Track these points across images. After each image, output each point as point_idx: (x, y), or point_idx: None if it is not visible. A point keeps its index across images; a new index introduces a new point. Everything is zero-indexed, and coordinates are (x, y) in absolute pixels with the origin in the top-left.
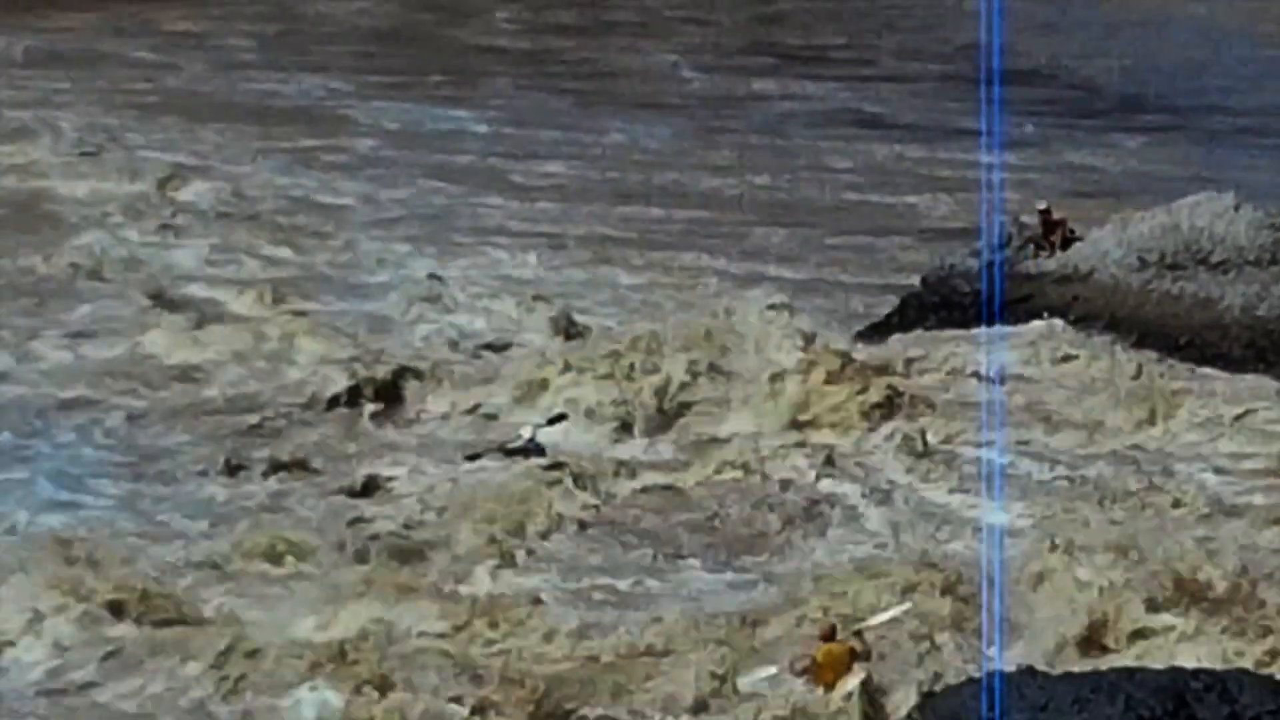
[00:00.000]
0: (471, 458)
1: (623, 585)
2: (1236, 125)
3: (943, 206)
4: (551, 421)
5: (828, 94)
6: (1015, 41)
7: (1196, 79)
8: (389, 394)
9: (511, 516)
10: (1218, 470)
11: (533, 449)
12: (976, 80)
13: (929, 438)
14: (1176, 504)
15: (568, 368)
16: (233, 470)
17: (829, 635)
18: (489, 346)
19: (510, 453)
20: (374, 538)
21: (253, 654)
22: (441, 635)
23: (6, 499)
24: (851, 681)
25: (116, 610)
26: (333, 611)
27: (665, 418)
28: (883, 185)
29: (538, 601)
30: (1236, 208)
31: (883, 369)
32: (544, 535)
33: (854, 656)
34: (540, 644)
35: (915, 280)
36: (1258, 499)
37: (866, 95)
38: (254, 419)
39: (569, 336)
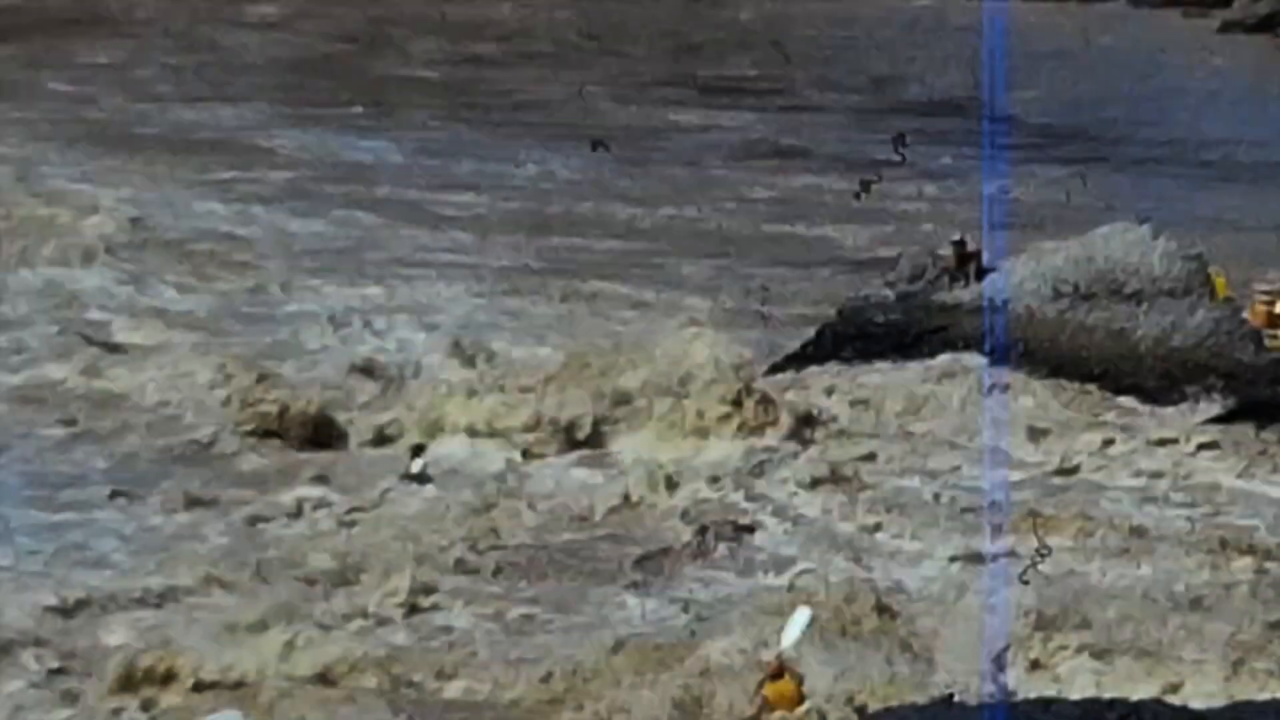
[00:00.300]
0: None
1: (542, 614)
2: (1151, 155)
3: (860, 237)
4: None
5: (744, 125)
6: (932, 73)
7: (1111, 110)
8: (296, 422)
9: (427, 544)
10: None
11: (423, 478)
12: (891, 111)
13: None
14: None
15: (472, 394)
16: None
17: (777, 673)
18: (396, 374)
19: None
20: (290, 565)
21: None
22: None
23: None
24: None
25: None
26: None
27: (570, 441)
28: (800, 216)
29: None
30: (1151, 237)
31: (786, 397)
32: (457, 564)
33: (800, 684)
34: (466, 676)
35: (832, 311)
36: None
37: (782, 126)
38: (165, 445)
39: (474, 364)
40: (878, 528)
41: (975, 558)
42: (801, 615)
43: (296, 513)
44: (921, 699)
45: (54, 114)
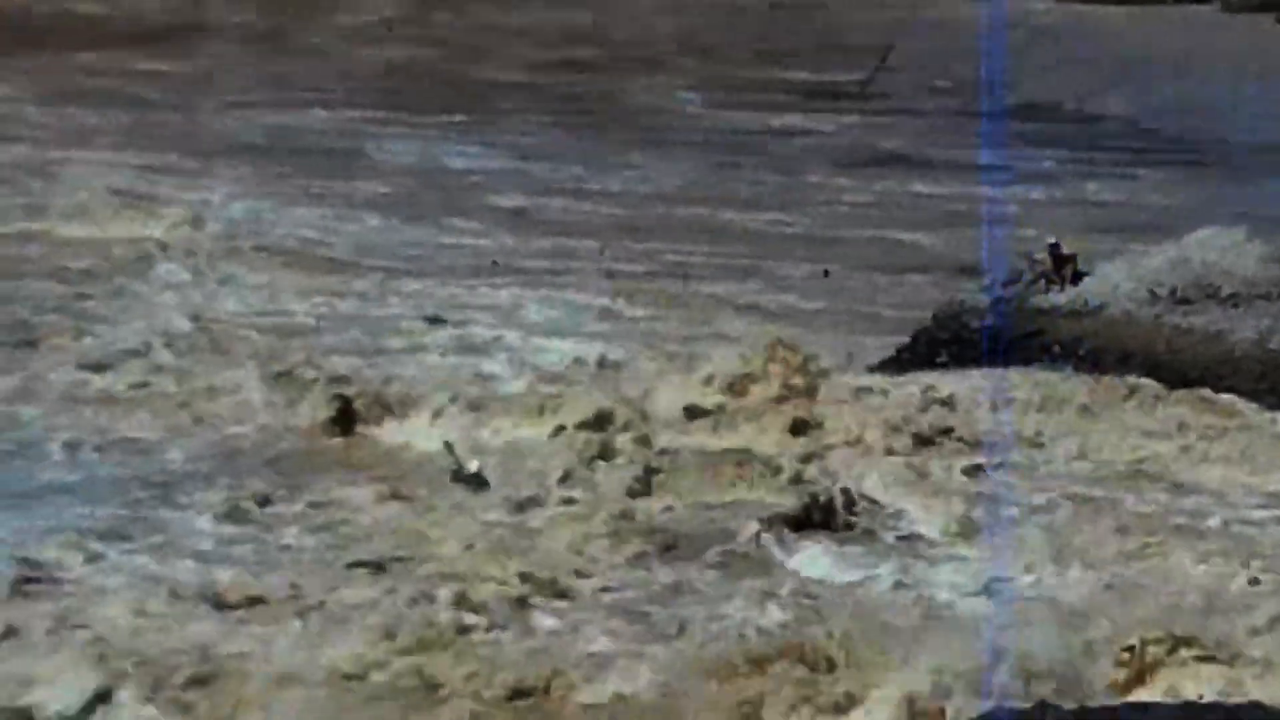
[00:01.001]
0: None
1: None
2: (1248, 160)
3: (957, 242)
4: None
5: (840, 129)
6: (1029, 77)
7: (1206, 114)
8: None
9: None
10: None
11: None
12: (990, 115)
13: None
14: None
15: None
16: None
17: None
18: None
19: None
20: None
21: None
22: None
23: None
24: None
25: None
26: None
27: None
28: (898, 221)
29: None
30: (1247, 241)
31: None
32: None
33: None
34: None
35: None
36: None
37: (880, 130)
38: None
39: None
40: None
41: None
42: None
43: None
44: None
45: (147, 122)
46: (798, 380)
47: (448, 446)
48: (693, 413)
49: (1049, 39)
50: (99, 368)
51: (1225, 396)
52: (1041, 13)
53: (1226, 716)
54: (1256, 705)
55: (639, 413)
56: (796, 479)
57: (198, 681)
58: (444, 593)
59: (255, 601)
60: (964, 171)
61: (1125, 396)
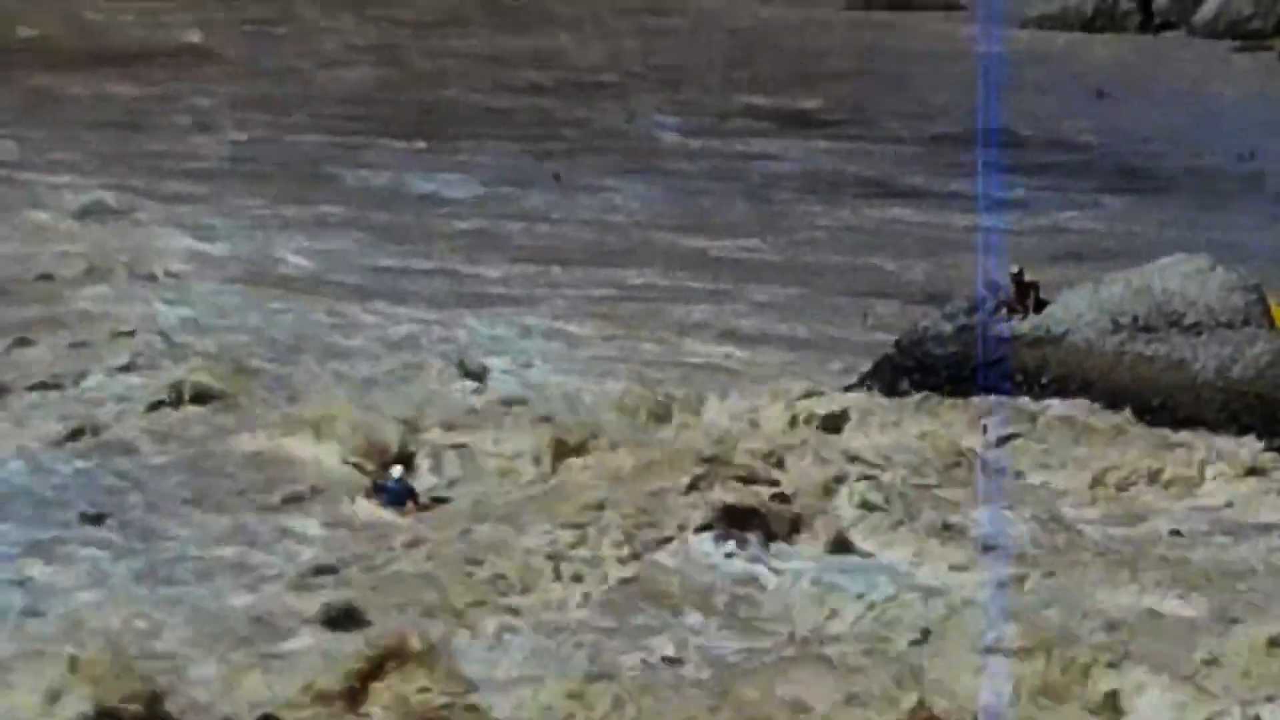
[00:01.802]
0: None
1: None
2: (1213, 187)
3: (926, 269)
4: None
5: (809, 155)
6: (999, 104)
7: (1170, 140)
8: None
9: None
10: None
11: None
12: (963, 142)
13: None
14: None
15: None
16: None
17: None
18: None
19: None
20: None
21: None
22: None
23: None
24: None
25: None
26: None
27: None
28: (869, 247)
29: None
30: (1209, 269)
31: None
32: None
33: None
34: None
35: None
36: None
37: (851, 158)
38: None
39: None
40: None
41: None
42: None
43: None
44: None
45: (110, 144)
46: None
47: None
48: None
49: (1020, 66)
50: None
51: None
52: (1012, 40)
53: None
54: None
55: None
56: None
57: None
58: None
59: None
60: (936, 198)
61: None
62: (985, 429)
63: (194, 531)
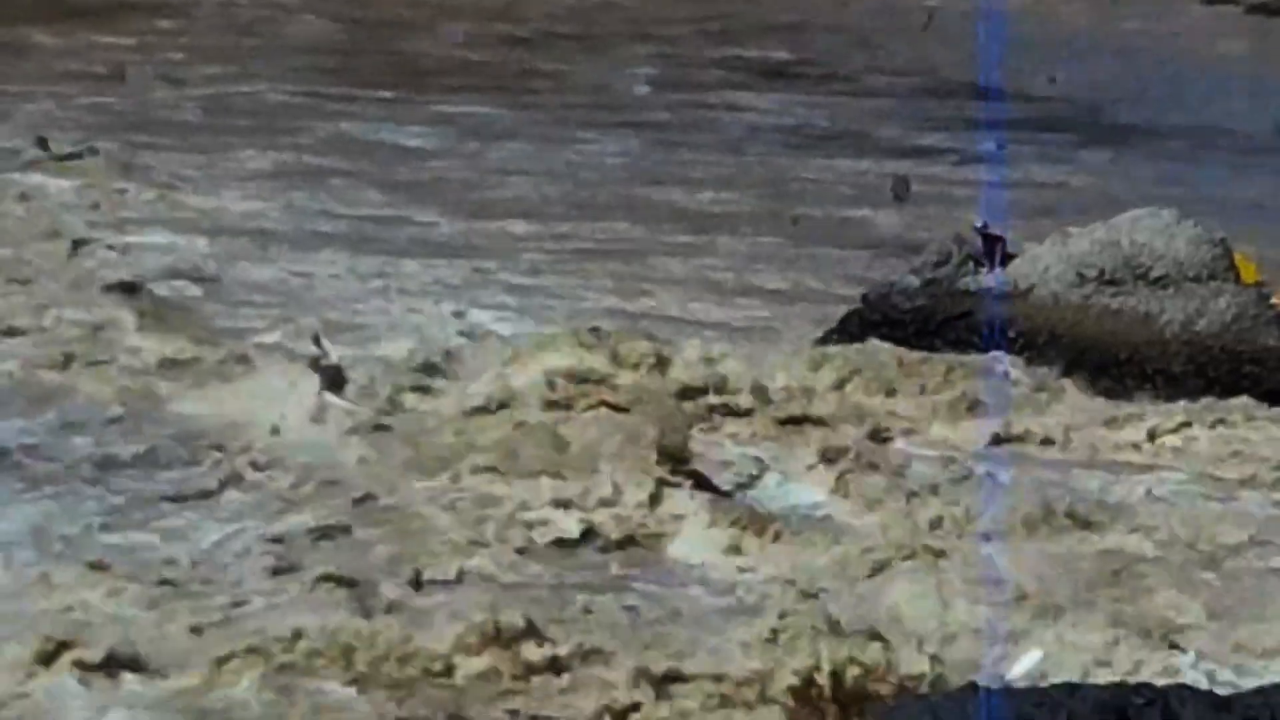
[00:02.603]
0: None
1: None
2: (1183, 142)
3: (901, 222)
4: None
5: (786, 108)
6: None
7: (1139, 96)
8: None
9: None
10: None
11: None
12: (940, 96)
13: None
14: None
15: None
16: None
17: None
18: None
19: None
20: None
21: None
22: None
23: None
24: None
25: None
26: None
27: None
28: (843, 199)
29: None
30: (1177, 223)
31: None
32: None
33: None
34: None
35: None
36: None
37: (828, 110)
38: None
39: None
40: None
41: None
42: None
43: None
44: None
45: (79, 99)
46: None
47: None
48: None
49: (997, 20)
50: None
51: None
52: None
53: (1155, 697)
54: (1183, 687)
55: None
56: None
57: None
58: None
59: None
60: (910, 152)
61: None
62: None
63: None
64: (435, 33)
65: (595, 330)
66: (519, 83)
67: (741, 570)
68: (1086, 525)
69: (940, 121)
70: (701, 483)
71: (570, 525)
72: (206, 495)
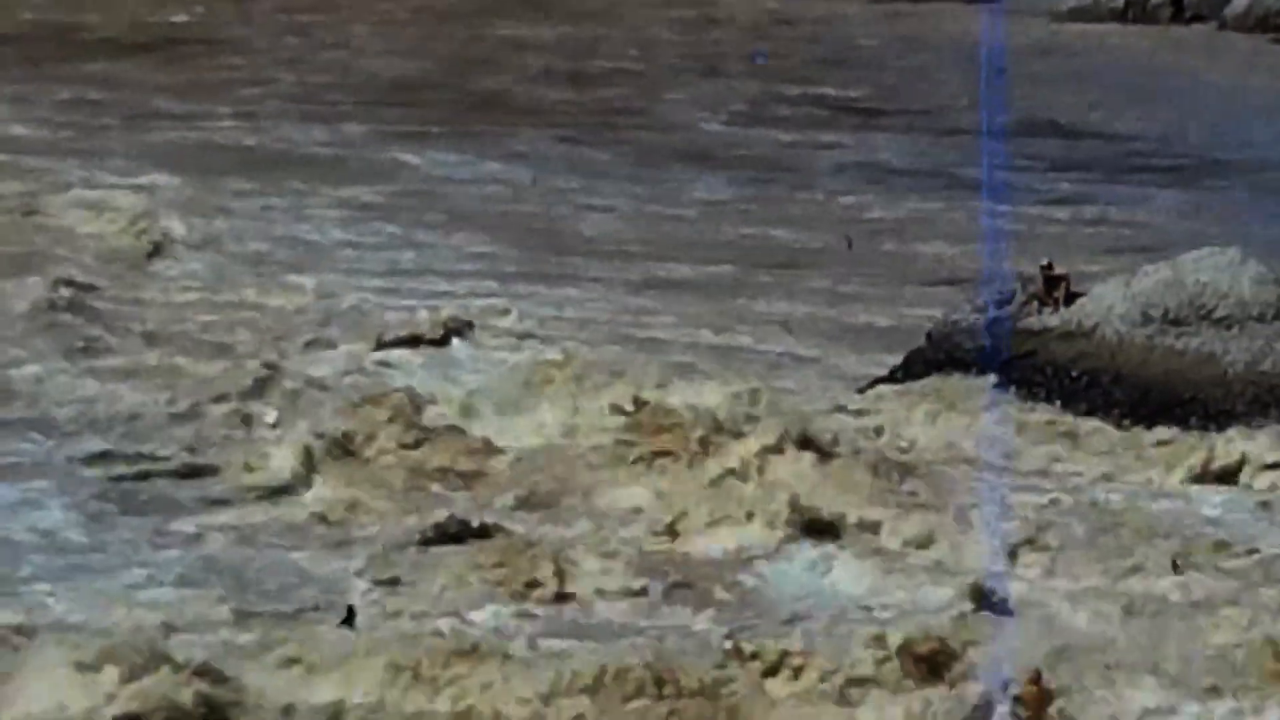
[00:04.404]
0: None
1: None
2: (1248, 181)
3: (966, 259)
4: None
5: (860, 146)
6: (1044, 95)
7: (1201, 134)
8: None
9: None
10: None
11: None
12: (1004, 134)
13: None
14: None
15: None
16: None
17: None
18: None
19: None
20: None
21: None
22: None
23: None
24: None
25: None
26: None
27: None
28: (903, 235)
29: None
30: (1241, 262)
31: None
32: None
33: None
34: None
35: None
36: None
37: (887, 147)
38: None
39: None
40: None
41: None
42: None
43: None
44: None
45: (165, 133)
46: None
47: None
48: None
49: (1060, 58)
50: None
51: None
52: (1050, 32)
53: None
54: None
55: None
56: None
57: None
58: None
59: None
60: (977, 189)
61: None
62: None
63: None
64: (507, 69)
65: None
66: (593, 120)
67: None
68: None
69: (1010, 159)
70: None
71: None
72: None
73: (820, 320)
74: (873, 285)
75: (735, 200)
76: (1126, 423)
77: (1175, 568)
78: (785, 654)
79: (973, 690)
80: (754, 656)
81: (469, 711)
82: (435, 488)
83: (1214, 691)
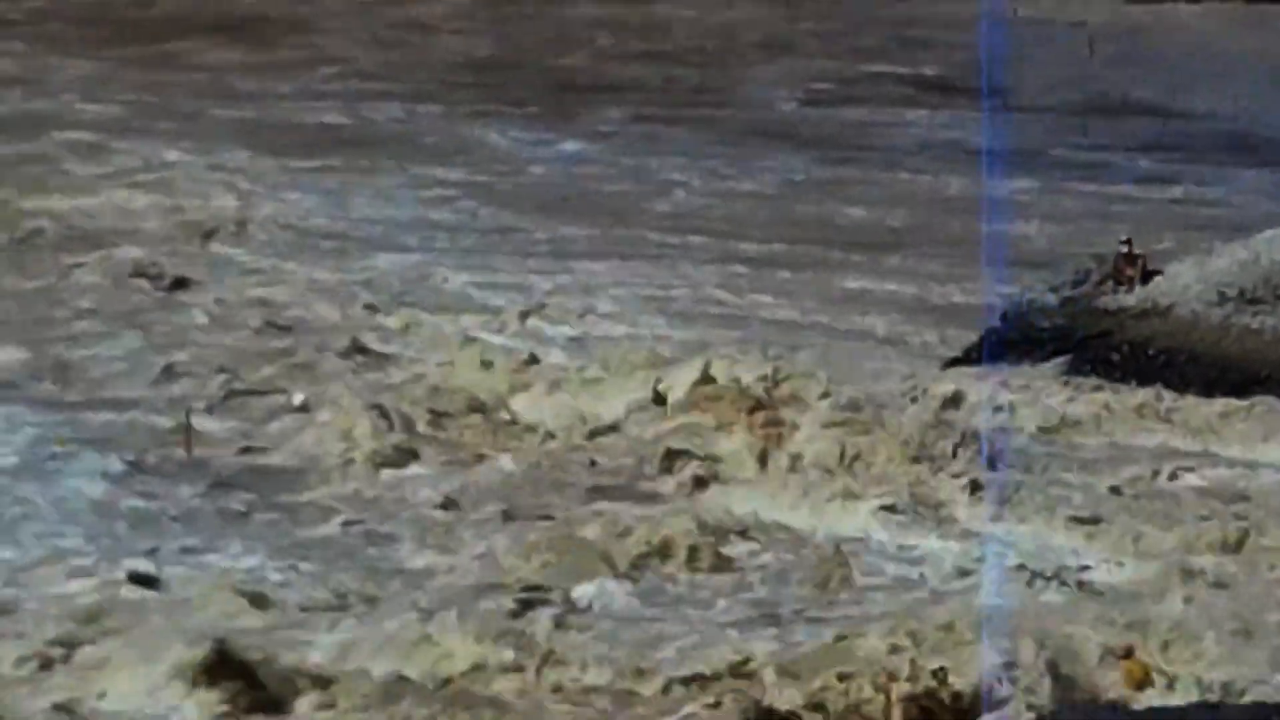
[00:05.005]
0: None
1: None
2: None
3: (1047, 238)
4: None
5: (936, 124)
6: (1120, 74)
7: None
8: None
9: None
10: None
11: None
12: (1084, 113)
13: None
14: None
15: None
16: None
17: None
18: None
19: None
20: None
21: None
22: None
23: None
24: None
25: None
26: None
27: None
28: (1001, 216)
29: None
30: None
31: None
32: None
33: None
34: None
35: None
36: None
37: (977, 126)
38: None
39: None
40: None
41: None
42: None
43: None
44: None
45: (238, 111)
46: None
47: None
48: None
49: (1134, 38)
50: None
51: None
52: (1121, 13)
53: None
54: (1260, 705)
55: None
56: None
57: None
58: None
59: None
60: (1064, 168)
61: None
62: None
63: None
64: (583, 47)
65: None
66: (669, 98)
67: None
68: None
69: (1098, 138)
70: None
71: None
72: None
73: (902, 298)
74: (955, 265)
75: (814, 179)
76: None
77: None
78: None
79: None
80: None
81: None
82: None
83: None
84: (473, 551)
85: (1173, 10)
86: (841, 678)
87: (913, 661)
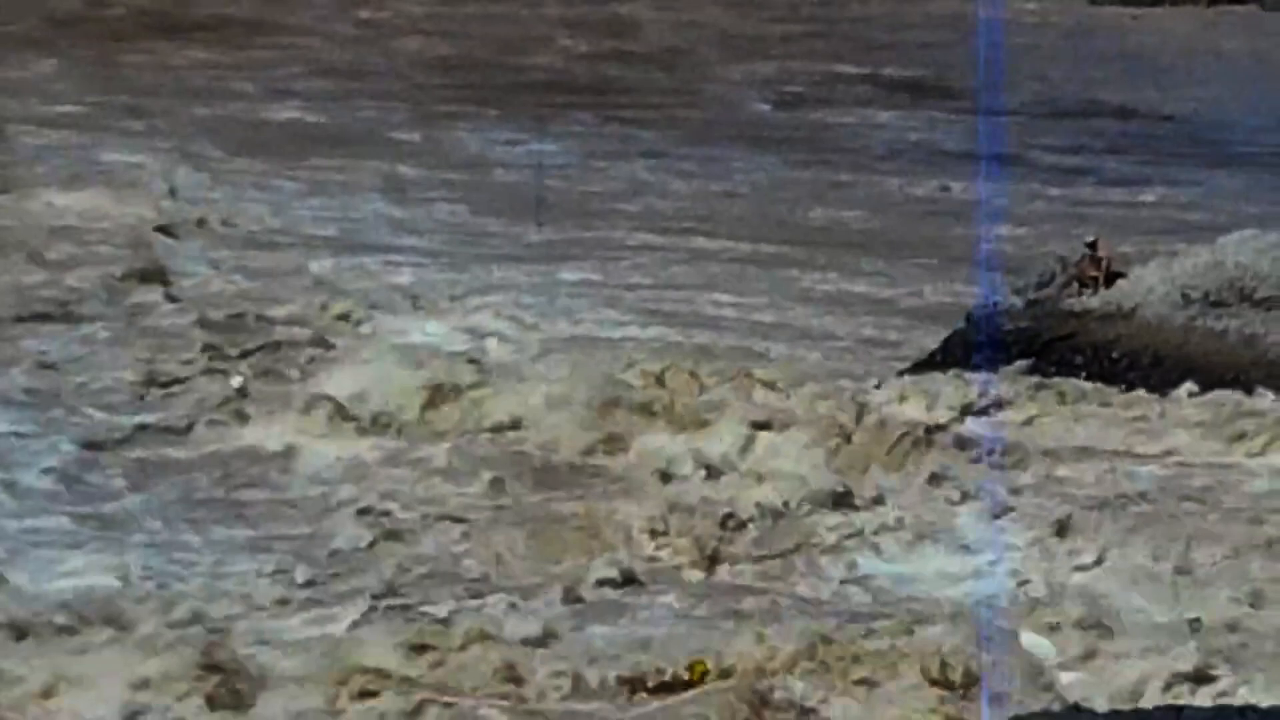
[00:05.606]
0: None
1: None
2: None
3: (1014, 241)
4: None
5: (906, 126)
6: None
7: (1274, 118)
8: None
9: None
10: None
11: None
12: (1055, 116)
13: None
14: None
15: None
16: None
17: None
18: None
19: None
20: None
21: None
22: None
23: None
24: None
25: None
26: None
27: None
28: (953, 215)
29: None
30: None
31: None
32: None
33: None
34: None
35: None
36: None
37: (948, 128)
38: None
39: None
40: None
41: None
42: None
43: None
44: None
45: (204, 110)
46: None
47: None
48: None
49: (1102, 39)
50: None
51: None
52: (1088, 14)
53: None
54: (1224, 708)
55: None
56: None
57: None
58: None
59: None
60: (1028, 169)
61: None
62: None
63: None
64: (554, 49)
65: None
66: (639, 99)
67: None
68: None
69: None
70: None
71: None
72: None
73: (871, 300)
74: (923, 267)
75: (784, 180)
76: None
77: None
78: None
79: None
80: None
81: None
82: None
83: None
84: None
85: (1140, 13)
86: None
87: None
